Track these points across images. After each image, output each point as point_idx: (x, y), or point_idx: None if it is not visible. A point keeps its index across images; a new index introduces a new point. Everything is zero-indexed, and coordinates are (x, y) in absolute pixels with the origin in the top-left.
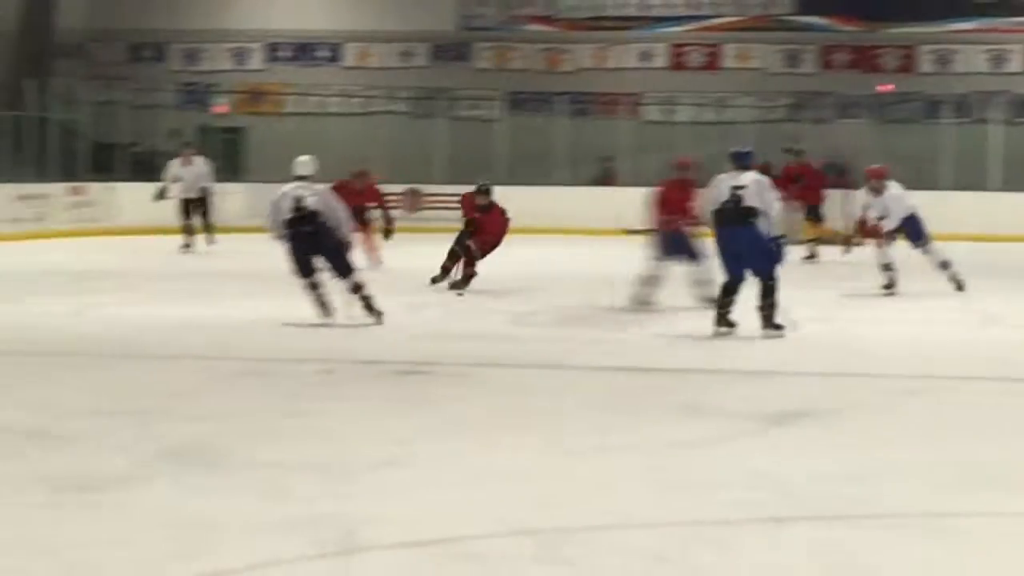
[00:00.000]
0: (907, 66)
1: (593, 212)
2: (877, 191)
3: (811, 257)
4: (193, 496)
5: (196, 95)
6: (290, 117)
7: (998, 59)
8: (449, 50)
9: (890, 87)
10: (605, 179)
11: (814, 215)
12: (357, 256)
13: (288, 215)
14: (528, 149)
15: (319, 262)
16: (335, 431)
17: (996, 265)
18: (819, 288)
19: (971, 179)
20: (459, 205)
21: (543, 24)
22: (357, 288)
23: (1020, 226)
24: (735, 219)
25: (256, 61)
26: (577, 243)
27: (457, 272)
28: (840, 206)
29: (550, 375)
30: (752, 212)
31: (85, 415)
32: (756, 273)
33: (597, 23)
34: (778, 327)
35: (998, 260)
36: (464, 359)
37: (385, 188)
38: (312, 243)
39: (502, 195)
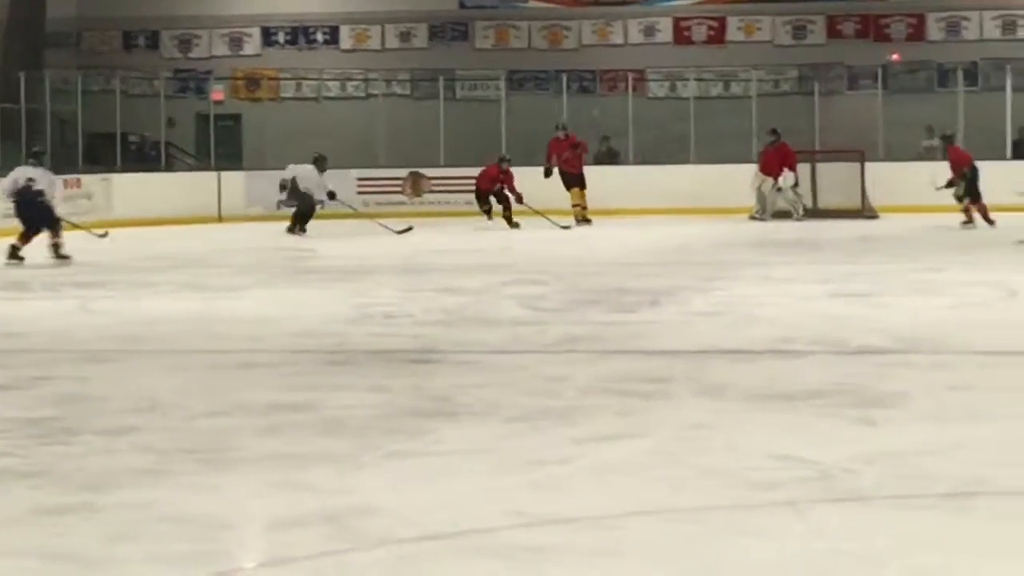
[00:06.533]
0: (916, 34)
1: (596, 191)
2: None
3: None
4: (203, 493)
5: (191, 82)
6: (288, 103)
7: (1009, 25)
8: (449, 30)
9: (897, 56)
10: (607, 158)
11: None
12: None
13: None
14: (530, 128)
15: None
16: (347, 421)
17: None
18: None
19: (984, 148)
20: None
21: (544, 1)
22: None
23: None
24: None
25: (252, 47)
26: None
27: None
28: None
29: (564, 359)
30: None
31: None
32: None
33: None
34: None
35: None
36: (475, 346)
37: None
38: None
39: None
